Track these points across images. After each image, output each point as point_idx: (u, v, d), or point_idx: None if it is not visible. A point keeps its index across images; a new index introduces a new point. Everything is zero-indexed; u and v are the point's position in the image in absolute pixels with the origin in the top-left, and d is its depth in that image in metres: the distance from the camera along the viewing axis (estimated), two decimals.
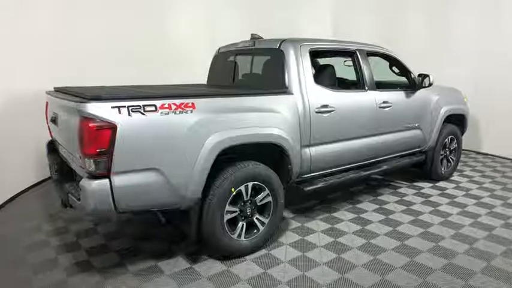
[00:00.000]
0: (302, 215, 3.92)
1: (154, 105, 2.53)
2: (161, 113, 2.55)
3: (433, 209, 4.12)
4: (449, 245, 3.29)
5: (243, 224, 3.06)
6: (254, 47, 3.81)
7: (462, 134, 5.34)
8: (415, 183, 5.04)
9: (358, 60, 3.97)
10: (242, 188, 2.98)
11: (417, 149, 4.75)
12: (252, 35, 3.92)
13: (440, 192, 4.71)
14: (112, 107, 2.39)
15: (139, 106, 2.48)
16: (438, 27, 7.02)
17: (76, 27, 5.07)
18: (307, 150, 3.43)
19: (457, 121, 5.16)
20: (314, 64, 4.42)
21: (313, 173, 3.59)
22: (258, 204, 3.12)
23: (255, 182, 3.04)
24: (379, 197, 4.48)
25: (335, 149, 3.66)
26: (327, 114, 3.51)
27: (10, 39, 4.19)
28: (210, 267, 2.92)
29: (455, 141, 5.19)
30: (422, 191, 4.75)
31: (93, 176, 2.40)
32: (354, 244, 3.29)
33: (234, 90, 3.41)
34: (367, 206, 4.19)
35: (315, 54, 4.15)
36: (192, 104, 2.69)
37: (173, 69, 5.86)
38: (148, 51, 5.75)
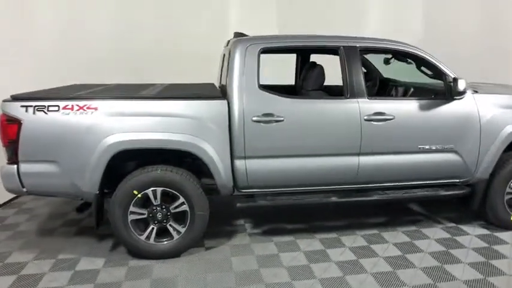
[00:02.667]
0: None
1: (58, 106, 2.84)
2: (62, 113, 2.84)
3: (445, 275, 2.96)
4: None
5: (153, 228, 3.06)
6: (227, 47, 3.61)
7: None
8: (461, 226, 3.71)
9: (342, 60, 3.21)
10: (149, 192, 2.98)
11: (455, 180, 3.48)
12: (234, 33, 3.70)
13: (486, 246, 3.32)
14: (21, 106, 2.83)
15: (44, 106, 2.83)
16: None
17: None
18: (241, 162, 3.08)
19: None
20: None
21: (254, 188, 3.19)
22: (173, 211, 3.06)
23: (165, 188, 2.99)
24: (381, 234, 3.53)
25: (285, 166, 3.13)
26: (271, 125, 3.03)
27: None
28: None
29: None
30: (458, 238, 3.47)
31: (10, 162, 2.93)
32: None
33: (149, 94, 3.31)
34: (347, 246, 3.41)
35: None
36: (96, 105, 2.87)
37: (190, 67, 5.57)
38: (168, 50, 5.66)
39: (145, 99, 3.02)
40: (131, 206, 2.98)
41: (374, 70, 4.45)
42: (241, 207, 3.18)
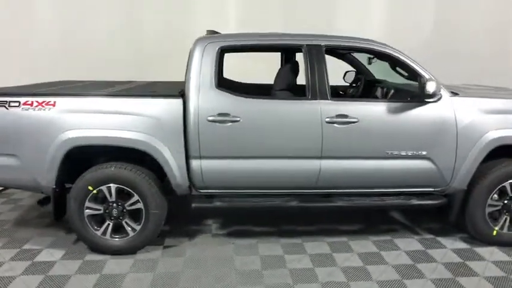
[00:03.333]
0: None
1: (19, 102, 2.94)
2: (23, 108, 2.93)
3: None
4: None
5: (109, 224, 3.10)
6: None
7: None
8: (440, 238, 3.45)
9: (306, 59, 3.08)
10: (104, 188, 3.02)
11: (430, 189, 3.24)
12: (207, 31, 3.65)
13: (459, 262, 3.07)
14: None
15: (6, 101, 2.93)
16: None
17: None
18: (197, 162, 3.04)
19: None
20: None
21: (211, 189, 3.15)
22: (128, 208, 3.08)
23: (119, 185, 3.01)
24: (348, 242, 3.36)
25: (242, 167, 3.05)
26: (226, 125, 2.96)
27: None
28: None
29: None
30: (431, 251, 3.23)
31: None
32: None
33: (106, 92, 3.32)
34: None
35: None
36: (54, 102, 2.94)
37: None
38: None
39: (100, 96, 3.05)
40: (87, 201, 3.02)
41: (364, 70, 4.26)
42: (196, 208, 3.13)
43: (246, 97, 3.04)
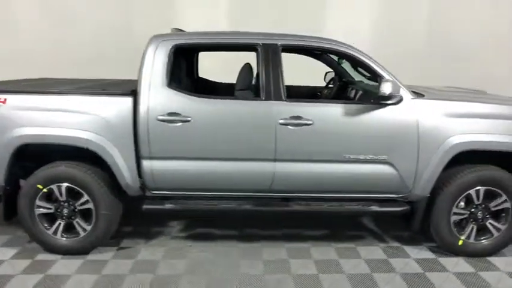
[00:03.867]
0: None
1: None
2: None
3: None
4: None
5: (60, 223, 3.06)
6: None
7: None
8: (406, 247, 3.30)
9: (260, 58, 2.98)
10: (54, 187, 2.98)
11: (392, 195, 3.10)
12: (171, 29, 3.59)
13: (418, 273, 2.92)
14: None
15: None
16: None
17: None
18: (148, 163, 2.97)
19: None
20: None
21: (164, 190, 3.07)
22: (79, 208, 3.03)
23: (69, 185, 2.97)
24: (310, 249, 3.24)
25: (193, 168, 2.97)
26: (176, 125, 2.89)
27: None
28: None
29: (504, 198, 3.02)
30: (393, 261, 3.08)
31: None
32: None
33: (57, 90, 3.16)
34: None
35: (192, 51, 3.66)
36: (4, 99, 2.92)
37: None
38: None
39: (50, 94, 3.01)
40: (37, 200, 2.99)
41: (341, 71, 4.13)
42: (147, 210, 3.07)
43: (198, 97, 2.96)
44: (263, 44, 2.99)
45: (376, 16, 5.98)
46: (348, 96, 3.88)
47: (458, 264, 3.05)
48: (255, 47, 3.01)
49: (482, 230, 3.11)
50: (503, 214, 3.07)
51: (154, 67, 2.95)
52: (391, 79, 2.85)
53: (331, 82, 4.23)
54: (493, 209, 3.05)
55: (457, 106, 3.00)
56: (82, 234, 3.08)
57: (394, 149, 2.95)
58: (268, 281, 2.80)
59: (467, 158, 3.03)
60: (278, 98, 2.93)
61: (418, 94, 3.12)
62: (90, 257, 3.10)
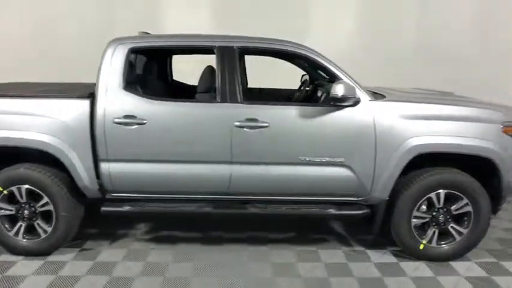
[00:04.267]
0: None
1: None
2: None
3: None
4: None
5: (21, 225, 3.09)
6: None
7: (500, 196, 2.98)
8: (370, 250, 3.26)
9: (217, 61, 2.98)
10: (14, 189, 3.01)
11: (351, 198, 3.06)
12: (138, 32, 3.62)
13: (376, 277, 2.88)
14: None
15: None
16: None
17: None
18: (105, 165, 2.99)
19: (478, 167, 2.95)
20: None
21: (122, 193, 3.09)
22: (39, 210, 3.06)
23: (29, 186, 3.01)
24: (270, 251, 3.21)
25: (150, 171, 2.98)
26: (132, 127, 2.91)
27: None
28: None
29: (466, 202, 2.95)
30: (353, 265, 3.04)
31: None
32: None
33: (16, 93, 3.20)
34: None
35: (148, 53, 3.59)
36: None
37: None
38: None
39: (9, 98, 3.05)
40: None
41: (313, 74, 4.10)
42: (105, 212, 3.08)
43: (154, 99, 2.97)
44: (219, 46, 3.00)
45: (364, 19, 5.96)
46: (317, 99, 3.86)
47: (419, 268, 2.99)
48: (211, 49, 3.02)
49: (444, 234, 3.05)
50: (465, 218, 3.00)
51: (112, 70, 2.97)
52: (345, 80, 2.83)
53: (303, 85, 4.20)
54: (455, 212, 2.99)
55: (415, 108, 2.96)
56: (43, 235, 3.10)
57: (351, 152, 2.92)
58: (212, 281, 2.79)
59: (432, 161, 2.99)
60: (234, 100, 2.93)
61: (378, 96, 3.08)
62: (51, 258, 3.12)
